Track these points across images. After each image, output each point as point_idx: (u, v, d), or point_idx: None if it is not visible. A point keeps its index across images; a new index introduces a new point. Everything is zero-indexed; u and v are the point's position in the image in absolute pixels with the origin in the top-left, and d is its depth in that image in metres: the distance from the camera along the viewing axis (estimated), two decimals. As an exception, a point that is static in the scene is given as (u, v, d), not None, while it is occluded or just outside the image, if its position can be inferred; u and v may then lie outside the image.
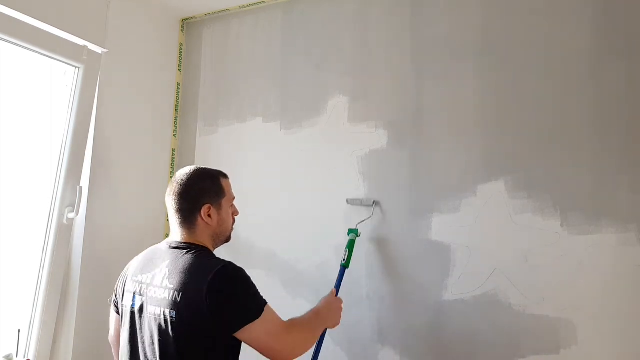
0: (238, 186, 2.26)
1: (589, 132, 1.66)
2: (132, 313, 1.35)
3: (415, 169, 1.91)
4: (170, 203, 1.40)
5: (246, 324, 1.24)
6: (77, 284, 1.96)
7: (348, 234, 1.92)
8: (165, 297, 1.27)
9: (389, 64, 2.01)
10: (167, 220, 2.22)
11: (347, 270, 1.84)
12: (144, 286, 1.34)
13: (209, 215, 1.39)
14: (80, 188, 1.97)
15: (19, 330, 1.84)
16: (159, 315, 1.27)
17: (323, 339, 1.69)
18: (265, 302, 1.30)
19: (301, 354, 1.37)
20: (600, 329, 1.57)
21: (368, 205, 1.96)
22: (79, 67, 1.98)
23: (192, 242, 1.38)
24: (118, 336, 1.44)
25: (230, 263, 1.30)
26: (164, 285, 1.29)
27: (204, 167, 1.47)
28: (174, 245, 1.38)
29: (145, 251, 1.46)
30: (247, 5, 2.36)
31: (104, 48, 2.06)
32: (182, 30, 2.55)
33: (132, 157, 2.24)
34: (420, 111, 1.93)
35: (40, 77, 1.98)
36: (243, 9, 2.38)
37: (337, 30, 2.15)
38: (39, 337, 1.87)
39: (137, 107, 2.28)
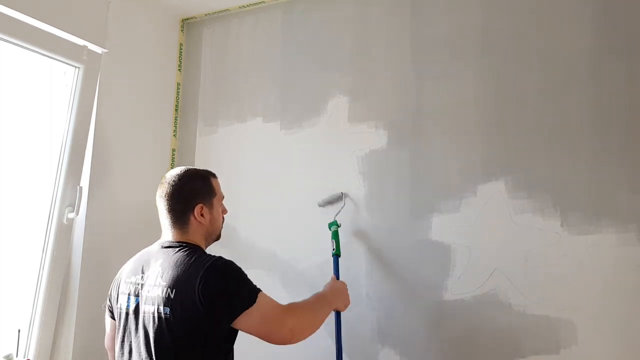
0: (238, 186, 2.27)
1: (589, 132, 1.66)
2: (127, 314, 1.36)
3: (415, 169, 1.91)
4: (162, 204, 1.42)
5: (241, 312, 1.25)
6: (77, 284, 1.96)
7: (329, 228, 1.94)
8: (158, 294, 1.28)
9: (389, 64, 2.01)
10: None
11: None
12: (139, 286, 1.35)
13: (202, 215, 1.41)
14: (80, 188, 1.97)
15: (19, 330, 1.84)
16: (153, 313, 1.28)
17: (340, 324, 1.71)
18: (258, 290, 1.31)
19: (305, 336, 1.37)
20: (600, 329, 1.57)
21: (339, 200, 2.00)
22: (79, 67, 1.98)
23: (184, 240, 1.39)
24: (114, 341, 1.45)
25: (220, 257, 1.32)
26: (157, 283, 1.31)
27: (193, 167, 1.50)
28: (166, 245, 1.39)
29: (138, 254, 1.47)
30: (247, 5, 2.36)
31: (104, 48, 2.06)
32: (182, 30, 2.55)
33: (132, 157, 2.24)
34: (420, 111, 1.93)
35: (40, 77, 1.98)
36: (243, 9, 2.38)
37: (337, 30, 2.15)
38: (39, 337, 1.87)
39: (137, 107, 2.28)
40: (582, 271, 1.61)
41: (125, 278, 1.42)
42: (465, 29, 1.89)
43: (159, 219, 1.44)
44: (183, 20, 2.56)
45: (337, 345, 1.70)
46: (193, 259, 1.31)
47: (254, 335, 1.30)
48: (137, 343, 1.31)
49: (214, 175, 1.51)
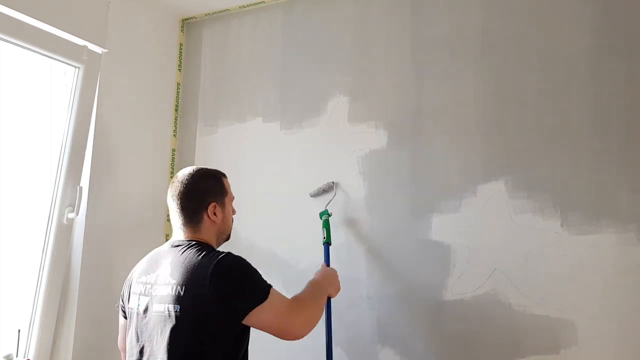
0: (238, 186, 2.25)
1: (589, 132, 1.66)
2: (138, 314, 1.36)
3: (415, 169, 1.91)
4: (174, 203, 1.42)
5: (253, 308, 1.25)
6: (77, 284, 1.96)
7: (320, 217, 1.96)
8: (169, 293, 1.28)
9: (389, 64, 2.01)
10: (168, 220, 2.22)
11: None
12: (149, 286, 1.35)
13: (215, 214, 1.42)
14: (80, 188, 1.97)
15: (19, 330, 1.84)
16: (164, 312, 1.28)
17: (330, 310, 1.73)
18: (269, 285, 1.32)
19: (312, 329, 1.38)
20: (600, 329, 1.57)
21: (330, 189, 2.03)
22: (79, 67, 1.98)
23: (195, 239, 1.39)
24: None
25: (229, 253, 1.32)
26: (167, 281, 1.31)
27: (204, 167, 1.50)
28: (176, 244, 1.39)
29: (149, 254, 1.48)
30: (247, 5, 2.36)
31: (104, 48, 2.06)
32: (182, 30, 2.55)
33: (132, 157, 2.24)
34: (420, 111, 1.93)
35: (40, 77, 1.98)
36: (243, 9, 2.38)
37: (337, 30, 2.15)
38: (39, 337, 1.87)
39: (137, 107, 2.28)
40: (582, 271, 1.61)
41: (136, 278, 1.42)
42: (465, 29, 1.89)
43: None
44: (183, 20, 2.56)
45: (327, 332, 1.71)
46: (202, 255, 1.31)
47: (265, 331, 1.30)
48: (149, 342, 1.31)
49: (224, 176, 1.52)
